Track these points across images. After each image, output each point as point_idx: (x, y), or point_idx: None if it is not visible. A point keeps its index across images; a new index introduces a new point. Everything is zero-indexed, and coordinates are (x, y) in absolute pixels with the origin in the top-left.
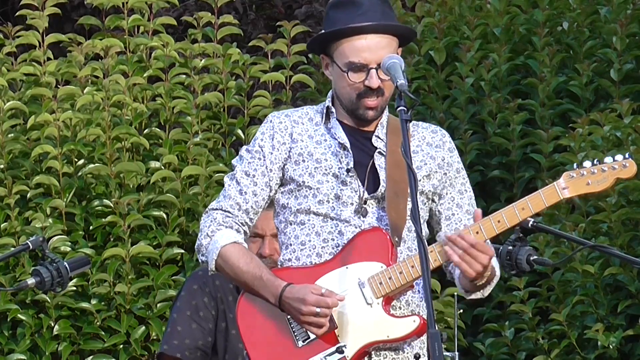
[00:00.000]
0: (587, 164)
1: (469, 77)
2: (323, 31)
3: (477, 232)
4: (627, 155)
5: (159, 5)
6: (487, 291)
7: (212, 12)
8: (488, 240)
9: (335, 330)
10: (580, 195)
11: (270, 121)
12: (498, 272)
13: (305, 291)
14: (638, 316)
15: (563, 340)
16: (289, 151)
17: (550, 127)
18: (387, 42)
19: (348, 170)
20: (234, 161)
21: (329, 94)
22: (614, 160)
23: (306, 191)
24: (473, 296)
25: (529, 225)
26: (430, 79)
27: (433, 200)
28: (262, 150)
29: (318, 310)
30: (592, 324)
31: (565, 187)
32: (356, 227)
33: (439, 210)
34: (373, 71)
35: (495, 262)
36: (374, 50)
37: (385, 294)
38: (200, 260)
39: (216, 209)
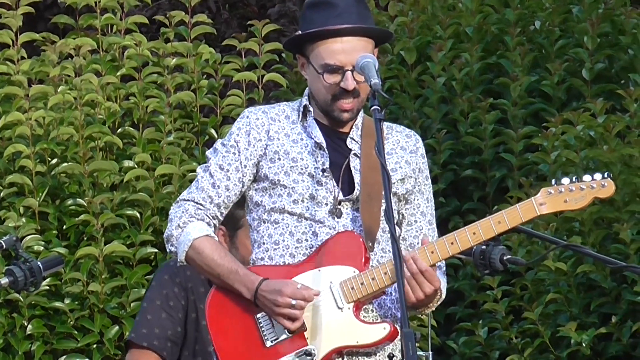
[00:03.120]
0: (565, 180)
1: (440, 76)
2: (299, 32)
3: (452, 243)
4: (605, 175)
5: (129, 4)
6: (428, 311)
7: (185, 11)
8: (442, 263)
9: (305, 333)
10: (557, 212)
11: (247, 117)
12: (444, 294)
13: (282, 284)
14: (611, 314)
15: (536, 339)
16: (265, 148)
17: (522, 127)
18: (363, 44)
19: (324, 170)
20: (207, 153)
21: (306, 91)
22: (593, 179)
23: (281, 190)
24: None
25: None
26: (402, 79)
27: (400, 202)
28: (237, 146)
29: (294, 302)
30: (565, 323)
31: (542, 203)
32: (330, 229)
33: (402, 214)
34: (349, 73)
35: (443, 284)
36: (349, 52)
37: (357, 299)
38: (168, 250)
39: (188, 200)
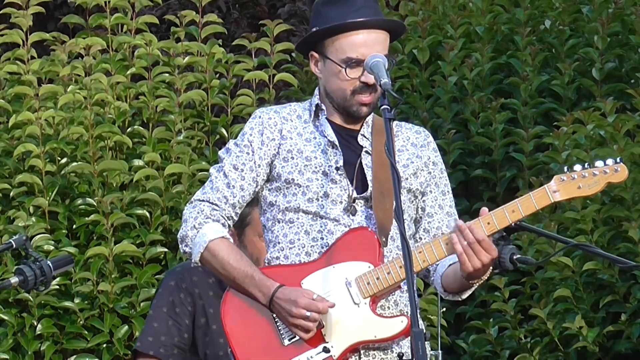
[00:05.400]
0: (577, 167)
1: (452, 76)
2: (316, 28)
3: None
4: (618, 160)
5: (141, 4)
6: (466, 294)
7: (195, 10)
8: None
9: (322, 330)
10: (571, 199)
11: (260, 117)
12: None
13: (297, 294)
14: (621, 312)
15: (545, 337)
16: (278, 147)
17: (533, 127)
18: (383, 37)
19: (337, 169)
20: (220, 153)
21: (316, 91)
22: (605, 164)
23: (295, 189)
24: (450, 297)
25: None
26: (413, 78)
27: (417, 197)
28: (251, 145)
29: (308, 314)
30: (574, 321)
31: (556, 190)
32: (346, 227)
33: (421, 207)
34: None
35: None
36: (370, 45)
37: (373, 294)
38: (182, 251)
39: (203, 201)
